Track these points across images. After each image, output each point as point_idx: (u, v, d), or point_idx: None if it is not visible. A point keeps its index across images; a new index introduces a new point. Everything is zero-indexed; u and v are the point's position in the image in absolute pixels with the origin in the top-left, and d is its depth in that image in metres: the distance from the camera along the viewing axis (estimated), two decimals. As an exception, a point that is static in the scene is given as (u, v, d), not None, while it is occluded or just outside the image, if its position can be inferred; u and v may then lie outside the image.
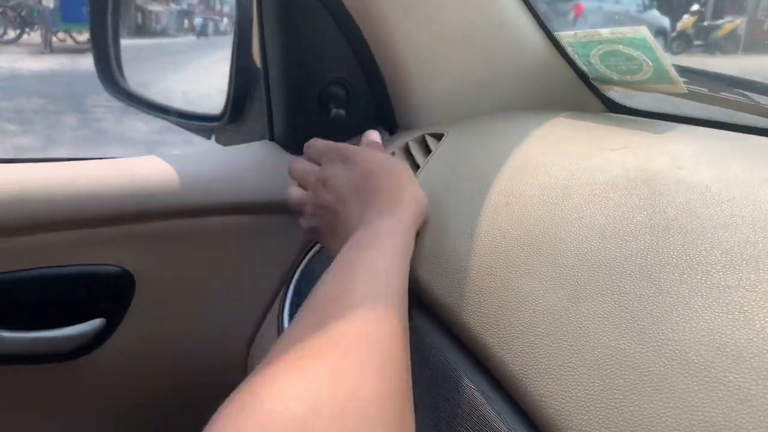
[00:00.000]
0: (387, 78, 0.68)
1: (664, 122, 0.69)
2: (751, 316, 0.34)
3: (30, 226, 0.60)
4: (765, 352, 0.32)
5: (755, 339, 0.33)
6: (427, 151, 0.65)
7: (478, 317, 0.46)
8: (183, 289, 0.69)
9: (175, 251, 0.67)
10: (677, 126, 0.66)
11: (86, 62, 9.46)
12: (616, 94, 0.78)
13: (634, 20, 14.44)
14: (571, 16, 14.11)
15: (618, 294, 0.39)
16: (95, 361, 0.65)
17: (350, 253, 0.48)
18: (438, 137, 0.66)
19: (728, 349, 0.33)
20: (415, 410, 0.45)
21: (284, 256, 0.70)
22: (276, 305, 0.68)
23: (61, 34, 11.43)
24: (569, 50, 0.73)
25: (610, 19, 14.09)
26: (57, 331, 0.63)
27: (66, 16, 10.97)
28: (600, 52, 0.71)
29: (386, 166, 0.56)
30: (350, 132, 0.70)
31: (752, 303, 0.34)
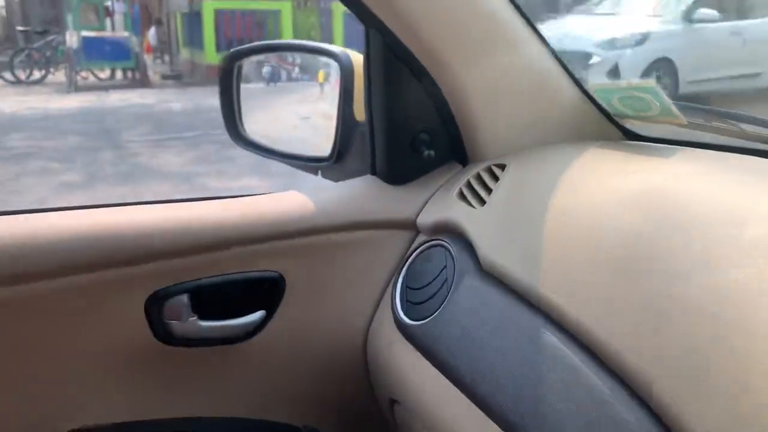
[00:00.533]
0: (460, 124, 0.91)
1: (669, 146, 0.92)
2: (713, 270, 0.56)
3: (218, 244, 0.83)
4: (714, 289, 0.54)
5: (722, 288, 0.55)
6: (494, 178, 0.88)
7: (560, 292, 0.68)
8: (318, 289, 0.92)
9: (314, 260, 0.90)
10: (679, 149, 0.88)
11: (111, 99, 9.83)
12: (633, 126, 1.00)
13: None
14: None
15: (647, 276, 0.61)
16: (259, 341, 0.88)
17: None
18: (501, 167, 0.88)
19: (710, 291, 0.55)
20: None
21: (391, 259, 0.92)
22: (387, 297, 0.91)
23: (83, 73, 11.89)
24: (595, 95, 0.96)
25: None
26: (234, 320, 0.86)
27: (88, 55, 11.39)
28: (618, 97, 0.94)
29: None
30: (435, 165, 0.94)
31: (715, 263, 0.57)
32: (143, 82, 11.77)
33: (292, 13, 12.69)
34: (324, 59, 1.08)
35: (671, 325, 0.56)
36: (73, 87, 10.89)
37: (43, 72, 12.00)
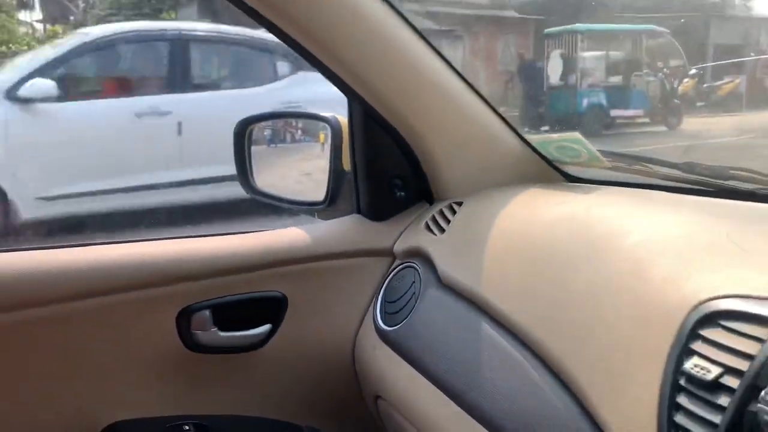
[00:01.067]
0: (426, 171, 1.13)
1: (599, 186, 1.13)
2: (605, 265, 0.76)
3: (234, 269, 1.05)
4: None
5: (603, 278, 0.75)
6: (453, 212, 1.09)
7: (500, 297, 0.88)
8: (314, 307, 1.12)
9: (310, 282, 1.11)
10: (605, 188, 1.10)
11: None
12: (571, 170, 1.23)
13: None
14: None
15: (558, 272, 0.82)
16: (266, 350, 1.08)
17: None
18: (459, 204, 1.10)
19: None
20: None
21: (373, 280, 1.13)
22: (371, 311, 1.11)
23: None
24: (536, 146, 1.19)
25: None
26: (247, 331, 1.07)
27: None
28: (555, 146, 1.17)
29: None
30: (408, 204, 1.16)
31: (606, 260, 0.77)
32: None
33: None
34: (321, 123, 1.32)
35: (566, 307, 0.77)
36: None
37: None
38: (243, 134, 1.29)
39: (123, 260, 1.00)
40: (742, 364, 0.56)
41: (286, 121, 1.70)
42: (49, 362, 0.99)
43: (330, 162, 1.22)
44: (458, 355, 0.88)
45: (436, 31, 16.99)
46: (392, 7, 0.99)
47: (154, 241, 1.06)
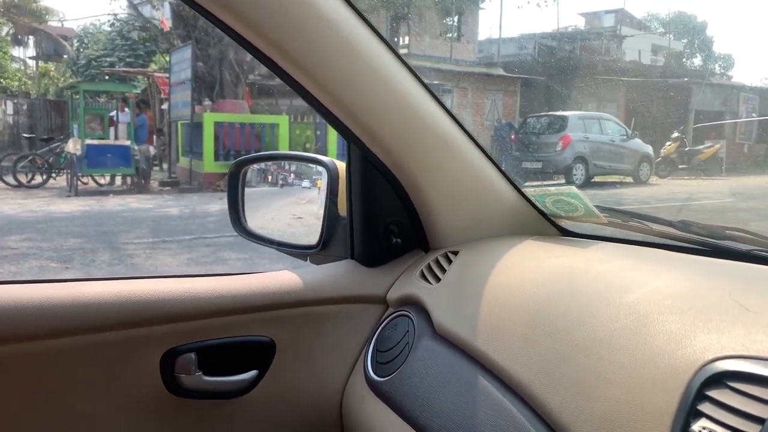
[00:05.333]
0: (422, 218, 1.12)
1: (594, 240, 1.13)
2: (605, 320, 0.75)
3: (221, 311, 1.02)
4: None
5: (601, 335, 0.74)
6: (449, 261, 1.08)
7: (494, 348, 0.86)
8: (302, 353, 1.09)
9: (300, 328, 1.08)
10: (601, 243, 1.09)
11: (110, 203, 10.12)
12: (566, 224, 1.22)
13: (619, 149, 15.46)
14: (559, 147, 15.01)
15: (558, 327, 0.81)
16: (252, 397, 1.04)
17: None
18: (455, 253, 1.09)
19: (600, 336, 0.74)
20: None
21: (365, 328, 1.10)
22: (361, 361, 1.08)
23: (84, 178, 12.30)
24: (533, 198, 1.19)
25: (596, 149, 14.98)
26: (232, 377, 1.03)
27: (91, 163, 11.82)
28: (552, 200, 1.17)
29: None
30: (403, 251, 1.14)
31: (606, 315, 0.76)
32: (141, 188, 12.17)
33: (288, 126, 13.36)
34: (317, 168, 1.32)
35: (566, 362, 0.75)
36: (73, 191, 11.25)
37: (45, 177, 12.43)
38: (237, 175, 1.28)
39: (105, 298, 0.96)
40: (752, 428, 0.55)
41: (279, 164, 1.70)
42: (25, 401, 0.95)
43: (325, 206, 1.21)
44: (452, 408, 0.85)
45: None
46: (396, 53, 1.00)
47: (139, 279, 1.03)
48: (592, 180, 15.18)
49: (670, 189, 14.77)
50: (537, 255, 1.02)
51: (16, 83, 24.58)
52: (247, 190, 1.33)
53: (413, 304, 1.05)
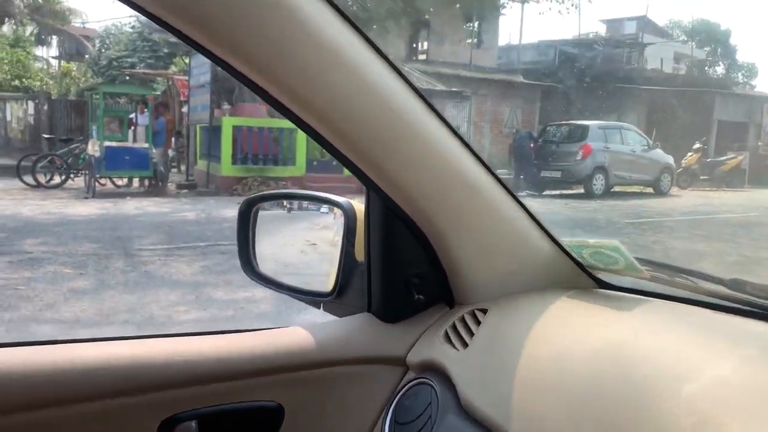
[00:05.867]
0: (447, 271, 1.03)
1: (635, 296, 1.02)
2: (659, 422, 0.65)
3: (225, 376, 0.93)
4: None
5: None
6: (477, 321, 0.98)
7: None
8: (314, 419, 0.99)
9: (310, 392, 0.99)
10: (643, 300, 0.99)
11: (127, 206, 10.13)
12: (603, 276, 1.12)
13: (639, 159, 15.24)
14: (579, 156, 14.83)
15: (596, 418, 0.71)
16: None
17: None
18: (484, 311, 0.99)
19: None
20: None
21: (382, 394, 1.00)
22: (377, 429, 0.99)
23: (102, 180, 12.34)
24: (568, 248, 1.08)
25: (616, 159, 14.78)
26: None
27: (109, 164, 11.84)
28: (590, 251, 1.06)
29: None
30: (424, 307, 1.05)
31: (659, 415, 0.65)
32: (159, 191, 12.18)
33: (306, 131, 13.29)
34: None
35: None
36: (91, 193, 11.28)
37: (63, 177, 12.49)
38: (248, 213, 1.19)
39: (94, 363, 0.87)
40: None
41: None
42: None
43: (342, 250, 1.11)
44: None
45: (444, 91, 17.30)
46: (415, 89, 0.90)
47: (132, 340, 0.94)
48: (612, 190, 14.99)
49: (691, 201, 14.53)
50: (578, 318, 0.92)
51: (38, 83, 24.81)
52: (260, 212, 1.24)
53: (437, 371, 0.94)
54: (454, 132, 0.96)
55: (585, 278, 1.09)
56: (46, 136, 16.59)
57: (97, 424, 0.88)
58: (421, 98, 0.92)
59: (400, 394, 0.98)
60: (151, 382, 0.89)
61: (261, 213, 1.24)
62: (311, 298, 1.18)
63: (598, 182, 14.72)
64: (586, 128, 15.26)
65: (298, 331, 1.02)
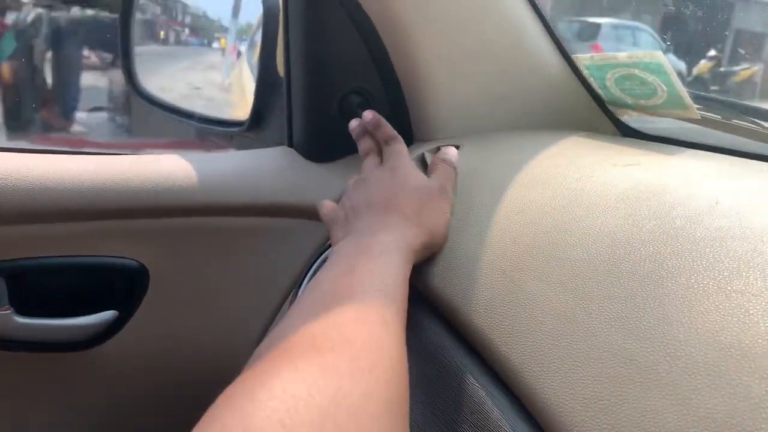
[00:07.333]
0: (406, 89, 0.70)
1: (677, 147, 0.70)
2: (756, 320, 0.34)
3: (50, 214, 0.62)
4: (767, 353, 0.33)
5: (759, 341, 0.33)
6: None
7: (486, 318, 0.46)
8: (195, 286, 0.70)
9: (191, 248, 0.69)
10: (690, 150, 0.67)
11: None
12: (630, 118, 0.79)
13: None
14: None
15: (625, 297, 0.40)
16: (106, 352, 0.66)
17: (348, 259, 0.50)
18: (456, 149, 0.67)
19: (732, 350, 0.34)
20: (419, 407, 0.46)
21: (296, 259, 0.71)
22: (286, 306, 0.69)
23: None
24: (585, 72, 0.75)
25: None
26: (71, 320, 0.64)
27: None
28: (616, 75, 0.73)
29: (425, 191, 0.58)
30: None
31: (758, 308, 0.35)
32: None
33: None
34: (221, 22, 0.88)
35: (654, 398, 0.34)
36: None
37: None
38: (129, 6, 0.83)
39: None
40: None
41: (170, 18, 1.24)
42: None
43: (258, 68, 0.77)
44: (426, 399, 0.46)
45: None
46: None
47: None
48: (618, 95, 14.32)
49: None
50: (589, 160, 0.60)
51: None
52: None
53: None
54: None
55: (603, 119, 0.77)
56: None
57: None
58: None
59: (322, 257, 0.68)
60: None
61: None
62: (219, 128, 0.85)
63: (604, 86, 14.21)
64: (597, 26, 14.49)
65: (183, 161, 0.69)
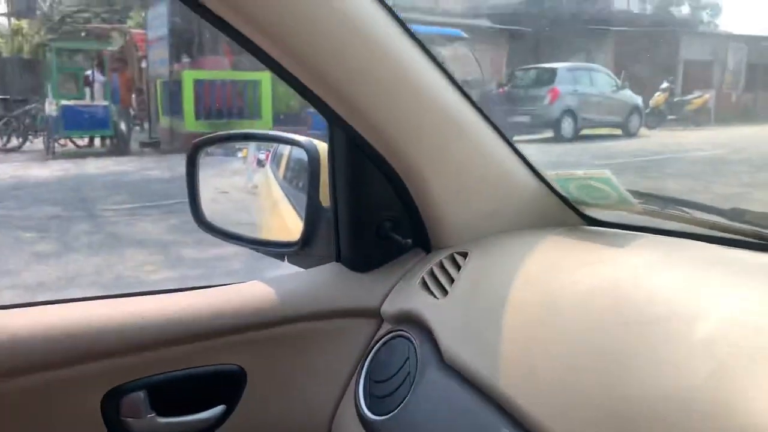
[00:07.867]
0: (423, 213, 0.93)
1: (626, 233, 0.94)
2: (674, 367, 0.57)
3: (176, 339, 0.82)
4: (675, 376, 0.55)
5: (672, 377, 0.55)
6: (456, 266, 0.89)
7: (505, 377, 0.68)
8: (280, 381, 0.90)
9: (275, 351, 0.89)
10: (635, 236, 0.90)
11: (89, 166, 9.80)
12: (591, 212, 1.03)
13: (608, 101, 15.19)
14: (547, 100, 14.78)
15: (599, 358, 0.62)
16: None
17: None
18: (464, 255, 0.90)
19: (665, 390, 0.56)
20: None
21: (354, 349, 0.92)
22: (351, 390, 0.90)
23: (62, 140, 11.91)
24: (555, 184, 0.99)
25: (585, 101, 14.75)
26: (193, 415, 0.84)
27: (68, 124, 11.42)
28: (578, 184, 0.97)
29: None
30: (398, 253, 0.95)
31: (674, 359, 0.57)
32: (121, 150, 11.80)
33: (271, 83, 12.94)
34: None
35: (627, 420, 0.56)
36: (50, 154, 10.89)
37: (21, 140, 12.01)
38: (195, 158, 1.07)
39: (26, 332, 0.76)
40: None
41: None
42: None
43: (307, 196, 1.00)
44: None
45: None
46: (390, 11, 0.78)
47: (65, 304, 0.83)
48: (581, 133, 14.90)
49: (660, 140, 14.56)
50: (568, 259, 0.83)
51: (-13, 41, 23.70)
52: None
53: (414, 322, 0.85)
54: (429, 55, 0.85)
55: (572, 215, 1.00)
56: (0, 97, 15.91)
57: (27, 401, 0.77)
58: (395, 20, 0.80)
59: (374, 349, 0.89)
60: (90, 351, 0.79)
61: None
62: (274, 249, 1.07)
63: (567, 126, 14.67)
64: (554, 72, 15.12)
65: (260, 285, 0.92)
